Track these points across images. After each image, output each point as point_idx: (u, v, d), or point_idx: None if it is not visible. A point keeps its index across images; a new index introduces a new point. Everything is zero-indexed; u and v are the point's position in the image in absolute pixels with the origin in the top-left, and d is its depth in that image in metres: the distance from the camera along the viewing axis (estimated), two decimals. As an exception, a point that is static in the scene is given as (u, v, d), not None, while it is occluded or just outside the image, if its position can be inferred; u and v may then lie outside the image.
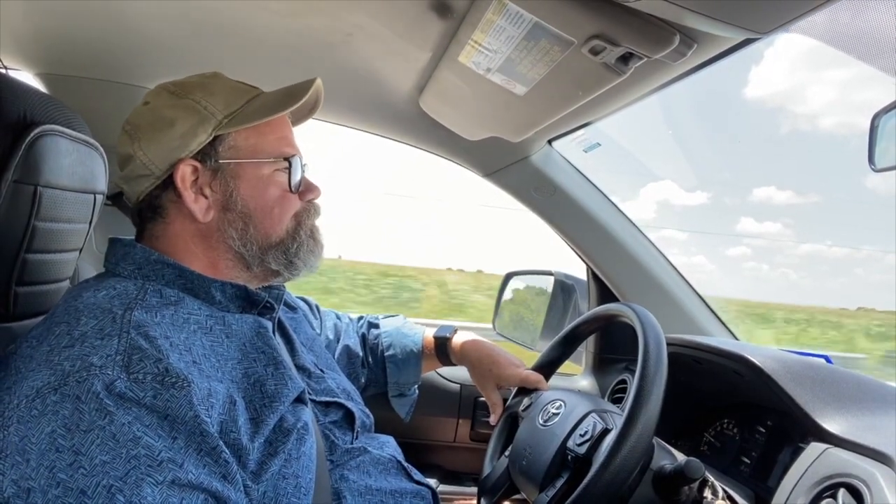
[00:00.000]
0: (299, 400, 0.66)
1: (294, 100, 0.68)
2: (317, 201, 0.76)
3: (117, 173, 0.70)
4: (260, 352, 0.65)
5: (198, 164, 0.66)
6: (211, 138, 0.66)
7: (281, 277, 0.74)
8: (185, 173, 0.66)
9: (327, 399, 0.77)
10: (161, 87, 0.69)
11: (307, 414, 0.66)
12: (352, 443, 0.77)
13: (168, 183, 0.66)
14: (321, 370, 0.81)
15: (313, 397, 0.75)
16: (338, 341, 1.02)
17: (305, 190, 0.74)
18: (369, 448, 0.77)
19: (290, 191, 0.71)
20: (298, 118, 0.79)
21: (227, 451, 0.54)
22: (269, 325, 0.71)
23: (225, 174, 0.67)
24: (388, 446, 0.82)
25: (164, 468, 0.49)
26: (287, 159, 0.70)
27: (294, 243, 0.71)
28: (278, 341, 0.75)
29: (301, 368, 0.77)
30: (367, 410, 0.84)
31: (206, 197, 0.67)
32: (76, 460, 0.47)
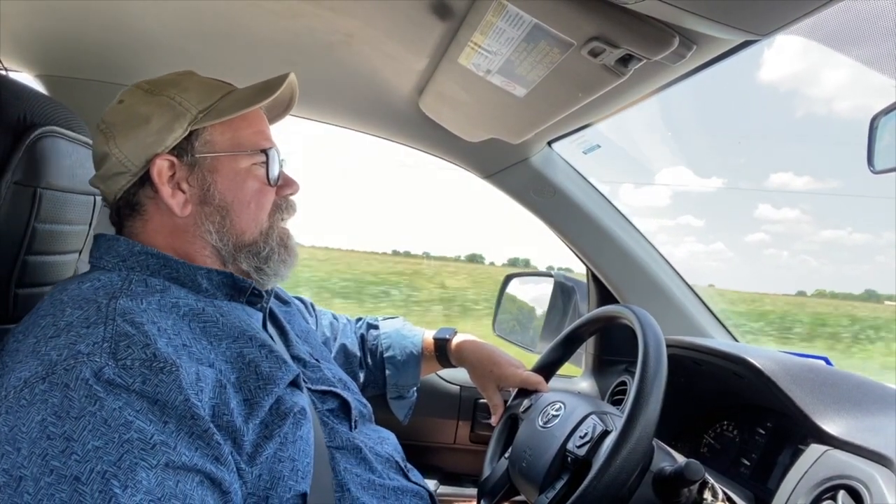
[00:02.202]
0: (295, 384, 0.66)
1: (268, 94, 0.69)
2: (293, 198, 0.76)
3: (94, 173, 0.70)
4: (253, 335, 0.65)
5: (174, 159, 0.67)
6: (186, 133, 0.67)
7: (253, 281, 0.73)
8: (161, 168, 0.66)
9: (323, 388, 0.77)
10: (135, 86, 0.70)
11: (304, 399, 0.66)
12: (350, 433, 0.76)
13: (145, 179, 0.66)
14: (316, 360, 0.81)
15: (309, 385, 0.74)
16: (334, 340, 1.03)
17: (284, 184, 0.74)
18: (369, 444, 0.77)
19: (269, 184, 0.71)
20: (275, 116, 0.80)
21: (218, 433, 0.54)
22: (259, 315, 0.72)
23: (202, 168, 0.68)
24: (388, 444, 0.82)
25: (158, 451, 0.49)
26: (264, 152, 0.71)
27: (265, 247, 0.71)
28: (271, 332, 0.75)
29: (296, 358, 0.77)
30: (363, 400, 0.84)
31: (183, 192, 0.67)
32: (68, 446, 0.47)
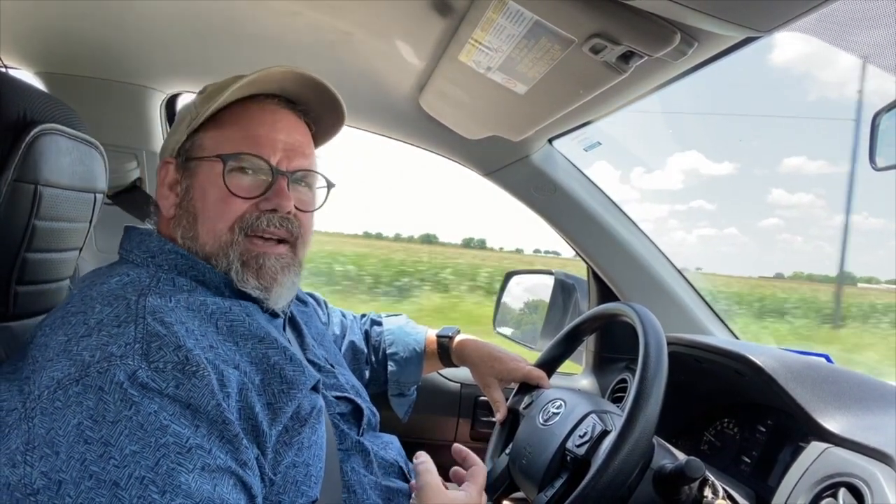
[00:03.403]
0: (314, 390, 0.65)
1: (220, 93, 0.66)
2: (286, 215, 0.67)
3: None
4: (276, 338, 0.65)
5: (174, 162, 0.69)
6: (184, 137, 0.68)
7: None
8: (166, 171, 0.69)
9: (337, 394, 0.77)
10: None
11: (319, 400, 0.66)
12: (358, 437, 0.76)
13: None
14: (331, 365, 0.81)
15: (324, 391, 0.74)
16: (343, 337, 1.03)
17: (266, 198, 0.66)
18: (374, 448, 0.77)
19: (230, 192, 0.65)
20: (325, 131, 0.78)
21: (245, 438, 0.54)
22: (279, 321, 0.72)
23: (190, 172, 0.68)
24: (392, 448, 0.82)
25: (194, 455, 0.49)
26: (220, 157, 0.65)
27: (224, 261, 0.65)
28: (289, 335, 0.75)
29: (311, 363, 0.77)
30: (373, 409, 0.84)
31: (176, 194, 0.68)
32: (106, 451, 0.47)
